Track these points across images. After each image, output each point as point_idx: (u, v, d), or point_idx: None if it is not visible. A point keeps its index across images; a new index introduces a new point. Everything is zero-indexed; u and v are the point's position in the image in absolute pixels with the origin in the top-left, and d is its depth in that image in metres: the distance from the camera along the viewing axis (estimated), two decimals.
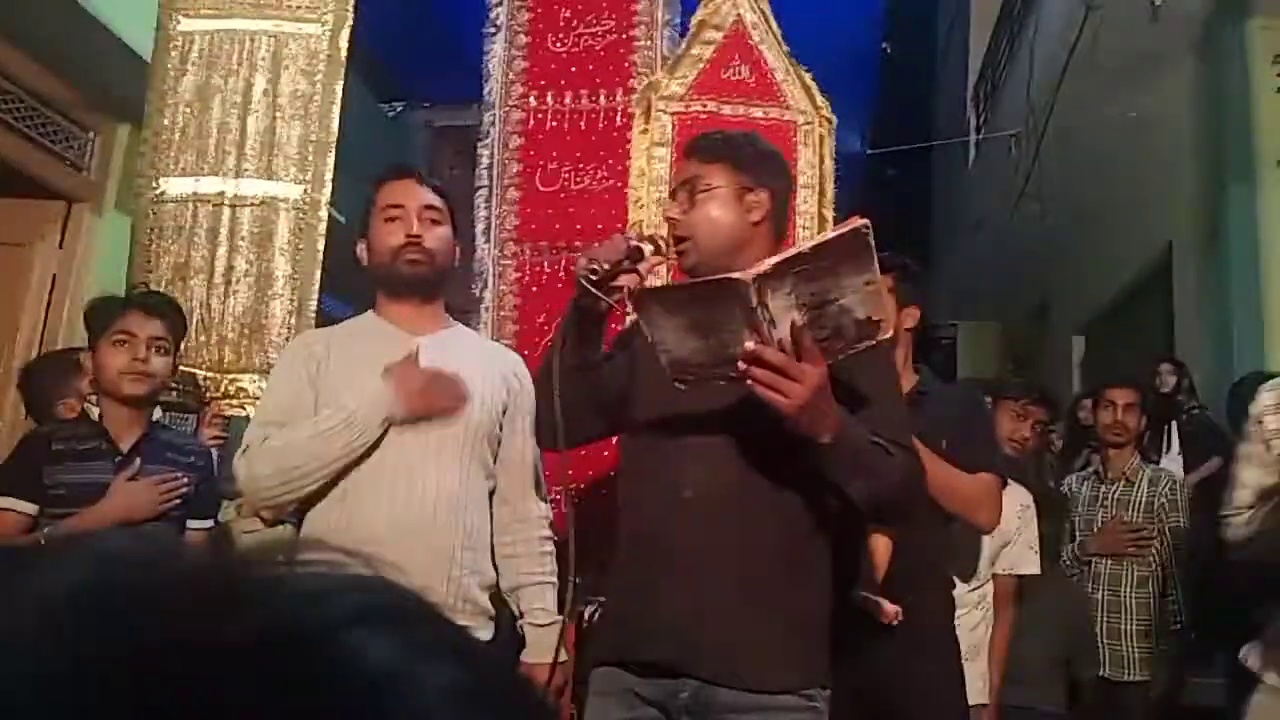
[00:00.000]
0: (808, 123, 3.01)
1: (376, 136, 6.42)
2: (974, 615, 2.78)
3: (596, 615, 2.51)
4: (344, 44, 3.24)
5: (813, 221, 3.01)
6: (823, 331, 1.54)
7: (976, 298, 9.85)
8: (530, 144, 3.17)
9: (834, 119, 3.05)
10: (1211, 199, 5.55)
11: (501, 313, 3.03)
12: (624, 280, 1.70)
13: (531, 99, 3.23)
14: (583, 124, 3.18)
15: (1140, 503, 3.62)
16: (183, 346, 3.06)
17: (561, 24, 3.25)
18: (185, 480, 2.37)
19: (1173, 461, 4.41)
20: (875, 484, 1.65)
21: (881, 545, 2.21)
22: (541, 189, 3.12)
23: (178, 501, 2.36)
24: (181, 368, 3.05)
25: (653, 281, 1.85)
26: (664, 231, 1.85)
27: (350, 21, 3.26)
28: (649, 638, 1.68)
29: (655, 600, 1.68)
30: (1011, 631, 2.90)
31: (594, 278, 1.66)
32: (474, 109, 8.80)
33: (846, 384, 1.65)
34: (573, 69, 3.23)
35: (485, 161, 3.21)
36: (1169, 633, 3.56)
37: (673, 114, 2.98)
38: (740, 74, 3.03)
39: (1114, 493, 3.69)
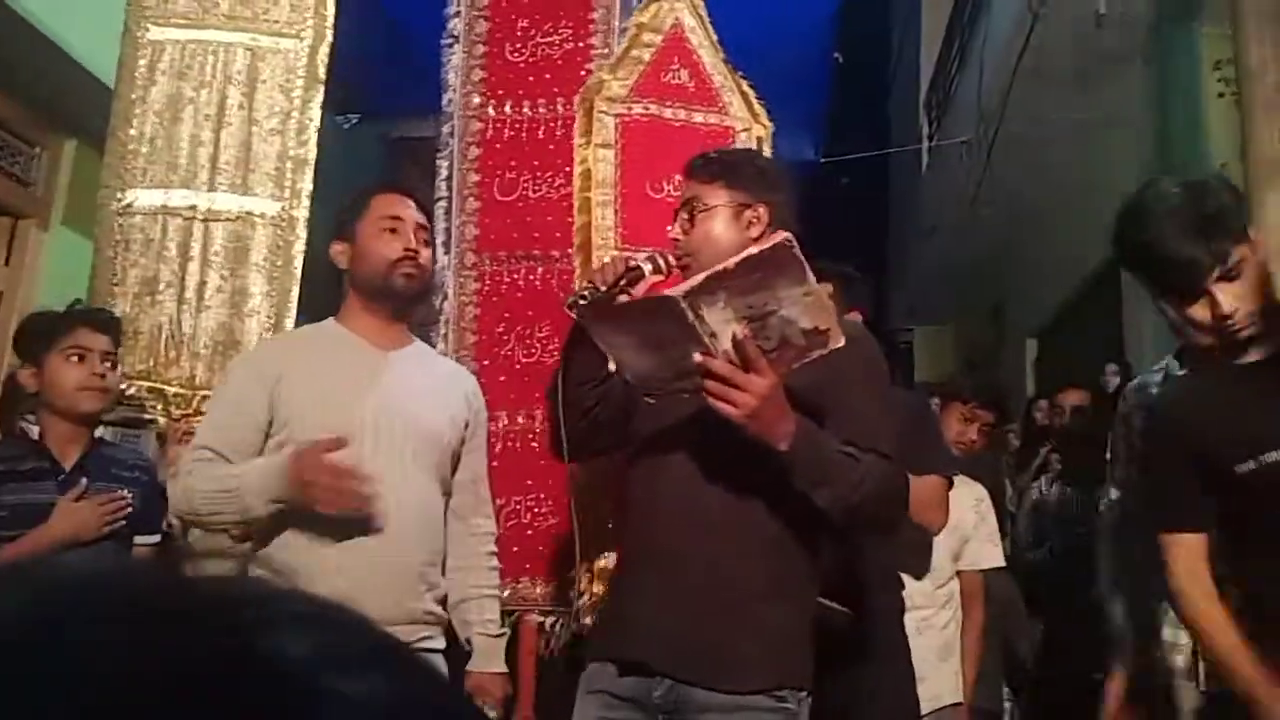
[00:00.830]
0: (745, 129, 3.03)
1: (332, 148, 6.37)
2: (943, 614, 2.82)
3: (558, 626, 2.52)
4: (323, 60, 3.22)
5: None
6: (769, 342, 1.58)
7: (933, 302, 9.97)
8: (488, 154, 3.16)
9: (770, 125, 3.08)
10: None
11: (462, 324, 3.03)
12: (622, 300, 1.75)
13: (490, 109, 3.22)
14: (540, 132, 3.19)
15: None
16: (152, 362, 3.03)
17: (519, 33, 3.25)
18: (130, 497, 2.34)
19: None
20: (840, 491, 1.67)
21: None
22: (500, 198, 3.12)
23: (123, 521, 2.32)
24: (149, 384, 3.00)
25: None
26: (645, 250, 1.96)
27: (329, 39, 3.24)
28: (631, 637, 1.74)
29: (638, 602, 1.75)
30: (982, 627, 2.92)
31: (585, 299, 1.70)
32: (431, 120, 8.73)
33: (811, 392, 1.69)
34: (530, 78, 3.23)
35: (444, 173, 3.20)
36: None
37: (615, 115, 2.98)
38: (680, 78, 3.05)
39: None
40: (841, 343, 1.63)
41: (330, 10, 3.24)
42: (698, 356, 1.55)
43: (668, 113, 3.03)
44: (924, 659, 2.56)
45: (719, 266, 1.55)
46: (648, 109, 3.01)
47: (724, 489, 1.74)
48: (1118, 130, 6.07)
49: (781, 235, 1.57)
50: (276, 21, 3.21)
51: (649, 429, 1.82)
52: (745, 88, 3.07)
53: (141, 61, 3.16)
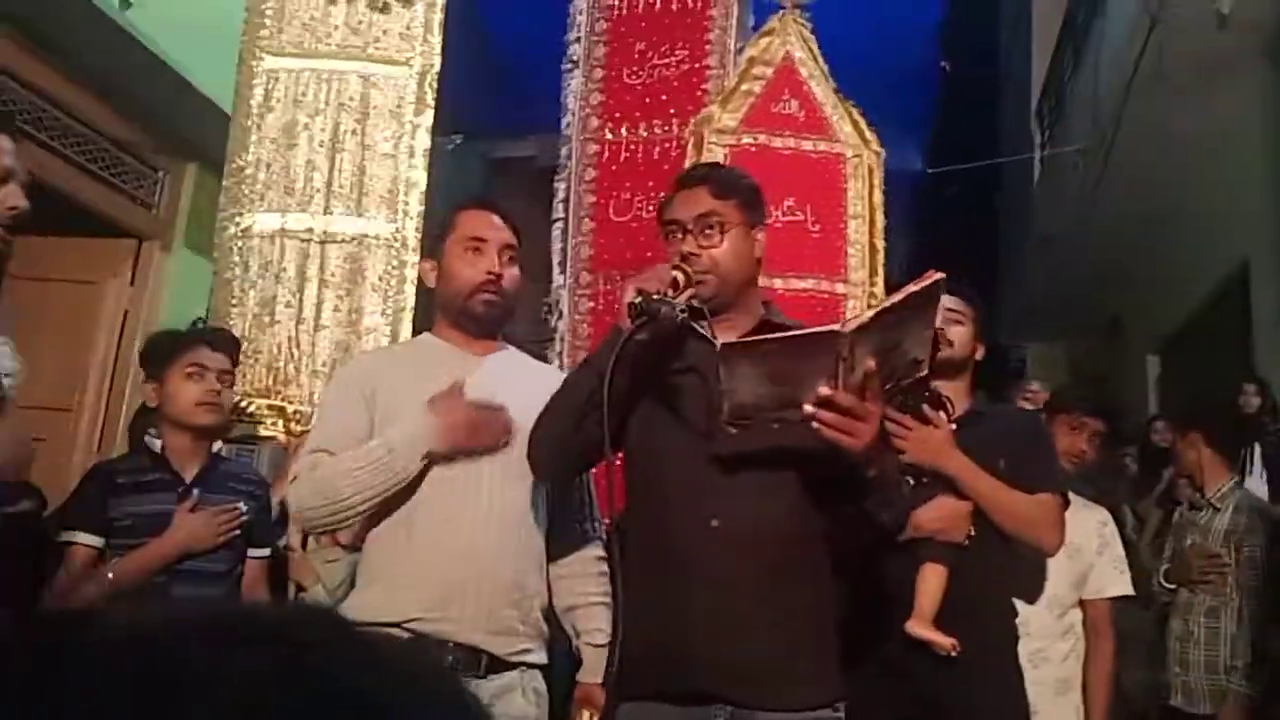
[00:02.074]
0: (856, 155, 3.05)
1: (437, 169, 6.52)
2: (1061, 646, 2.68)
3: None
4: (431, 86, 3.30)
5: (863, 250, 3.03)
6: (883, 372, 1.60)
7: (1046, 317, 9.64)
8: (604, 175, 3.22)
9: (882, 151, 3.09)
10: None
11: (575, 342, 3.05)
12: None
13: (607, 131, 3.28)
14: (656, 153, 3.23)
15: (1220, 530, 3.49)
16: (272, 379, 3.13)
17: (636, 56, 3.30)
18: (244, 510, 2.41)
19: (1257, 485, 4.25)
20: (897, 513, 1.77)
21: (934, 576, 2.18)
22: (615, 219, 3.16)
23: (237, 531, 2.39)
24: (269, 401, 3.11)
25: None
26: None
27: (437, 66, 3.32)
28: (681, 667, 1.70)
29: (685, 629, 1.70)
30: (1111, 661, 2.77)
31: (671, 306, 1.66)
32: (529, 140, 8.89)
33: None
34: (647, 100, 3.28)
35: (561, 194, 3.25)
36: (1228, 668, 3.38)
37: (725, 146, 3.02)
38: (790, 108, 3.08)
39: (1200, 519, 3.59)
40: (927, 371, 1.67)
41: (437, 38, 3.33)
42: (824, 389, 1.54)
43: (776, 142, 3.05)
44: (1039, 693, 2.44)
45: (882, 305, 1.56)
46: (757, 139, 3.04)
47: (772, 511, 1.74)
48: (1240, 136, 5.78)
49: (937, 275, 1.58)
50: (386, 50, 3.31)
51: (681, 447, 1.77)
52: (856, 115, 3.08)
53: (257, 90, 3.28)
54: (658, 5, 3.35)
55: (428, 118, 3.30)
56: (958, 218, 9.80)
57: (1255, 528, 3.45)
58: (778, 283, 3.01)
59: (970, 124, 10.07)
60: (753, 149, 3.02)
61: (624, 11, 3.40)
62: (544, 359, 2.74)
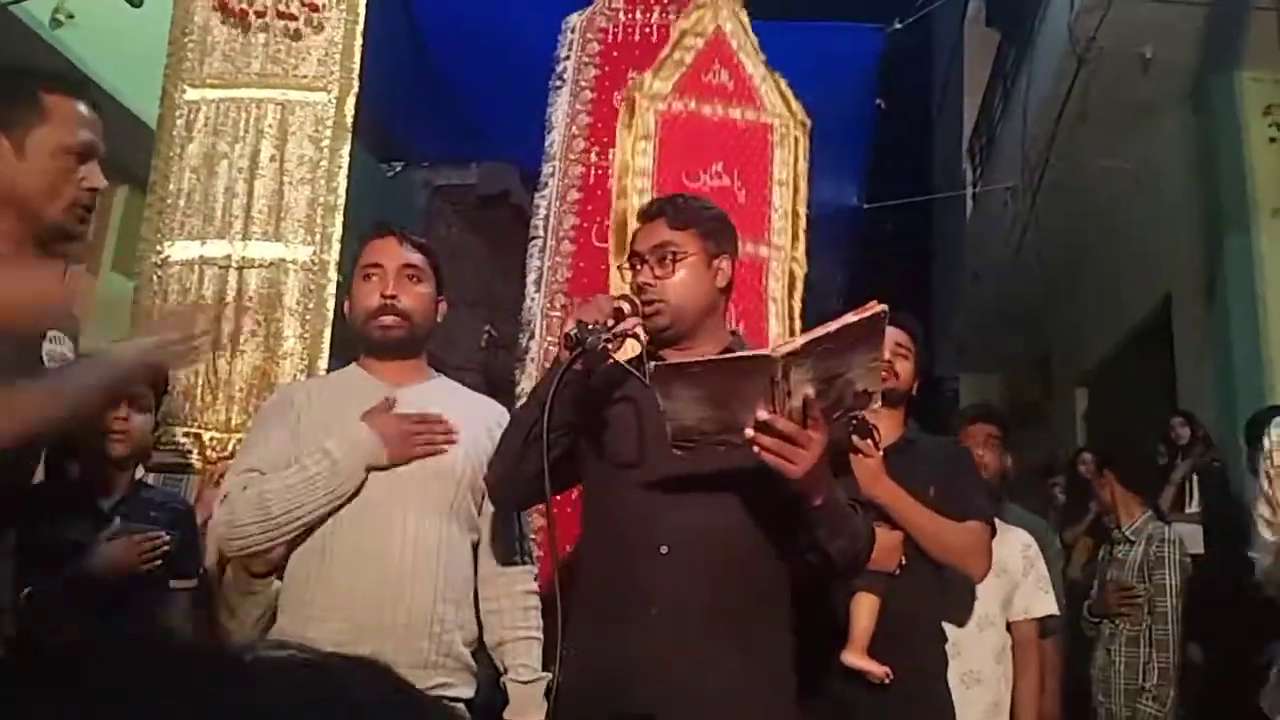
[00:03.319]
0: (783, 125, 3.13)
1: (377, 196, 6.47)
2: (996, 669, 2.71)
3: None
4: (350, 111, 3.29)
5: (786, 219, 3.10)
6: (826, 402, 1.60)
7: (979, 350, 9.85)
8: (589, 198, 3.19)
9: (809, 122, 3.16)
10: (1209, 248, 5.56)
11: (547, 363, 3.04)
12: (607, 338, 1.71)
13: (593, 154, 3.26)
14: None
15: (1135, 562, 3.63)
16: (189, 407, 3.05)
17: (628, 82, 3.30)
18: (166, 539, 2.34)
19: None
20: (852, 543, 1.73)
21: (866, 605, 2.19)
22: (597, 244, 3.15)
23: (158, 561, 2.32)
24: (185, 428, 3.03)
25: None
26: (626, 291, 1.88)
27: (356, 90, 3.31)
28: (628, 691, 1.68)
29: (632, 653, 1.68)
30: (1039, 680, 2.81)
31: (596, 332, 1.66)
32: (472, 168, 8.83)
33: (829, 448, 1.68)
34: None
35: (541, 212, 3.22)
36: (1140, 689, 3.53)
37: (656, 112, 3.08)
38: (720, 78, 3.14)
39: (1116, 553, 3.74)
40: (879, 405, 1.67)
41: (356, 63, 3.32)
42: (763, 414, 1.55)
43: (706, 109, 3.11)
44: (970, 715, 2.47)
45: (820, 331, 1.56)
46: (687, 105, 3.10)
47: (721, 536, 1.72)
48: (1162, 176, 5.99)
49: (879, 306, 1.59)
50: (305, 77, 3.31)
51: (627, 472, 1.77)
52: (784, 87, 3.15)
53: (179, 120, 3.27)
54: (654, 34, 3.36)
55: (347, 141, 3.29)
56: (893, 252, 9.98)
57: (1163, 556, 3.59)
58: None
59: (905, 161, 10.29)
60: (683, 114, 3.09)
61: (618, 36, 3.40)
62: (515, 379, 2.71)
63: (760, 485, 1.64)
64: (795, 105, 3.14)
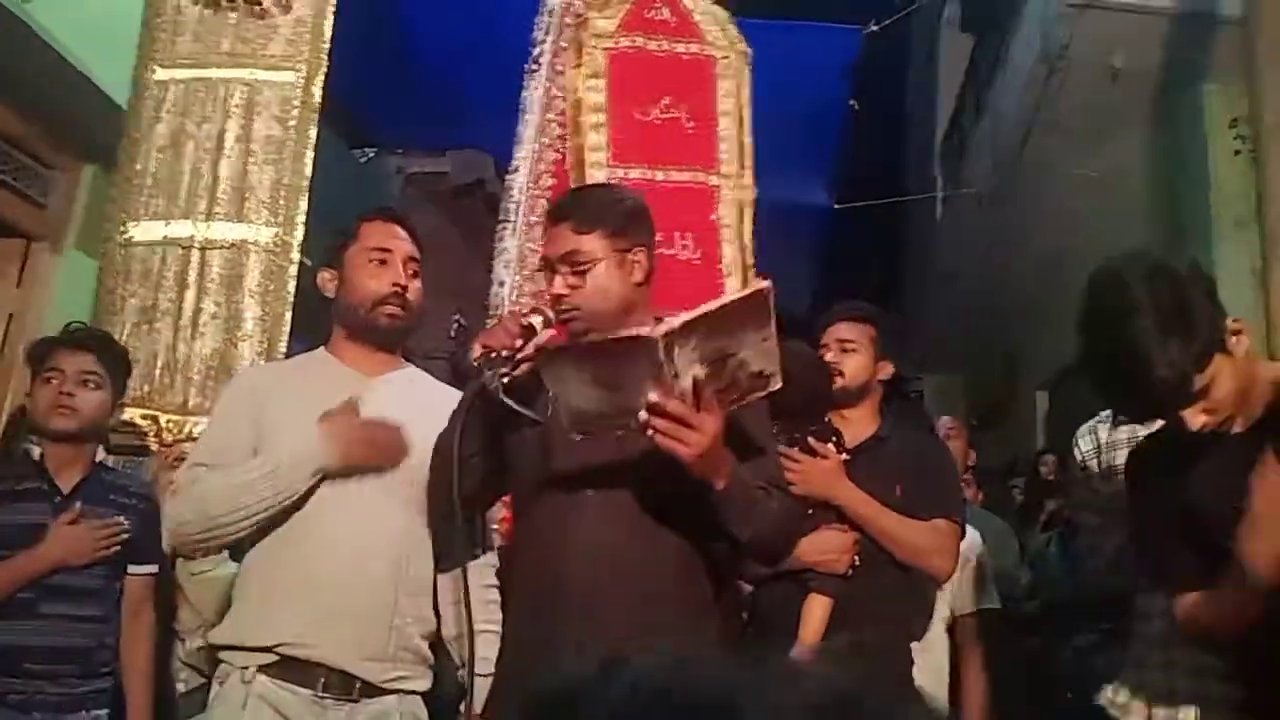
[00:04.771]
0: (725, 57, 3.24)
1: (348, 182, 6.42)
2: (925, 658, 2.74)
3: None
4: (318, 91, 3.27)
5: (734, 147, 3.19)
6: (719, 383, 1.59)
7: (946, 351, 9.93)
8: (562, 184, 3.17)
9: (750, 52, 3.27)
10: (1174, 256, 5.63)
11: None
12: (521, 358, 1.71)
13: (568, 140, 3.25)
14: None
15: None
16: (146, 389, 3.00)
17: None
18: (126, 524, 2.31)
19: None
20: (761, 527, 1.71)
21: (818, 607, 2.20)
22: None
23: (117, 546, 2.30)
24: (143, 410, 2.99)
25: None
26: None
27: (324, 70, 3.28)
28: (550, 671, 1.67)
29: (552, 649, 1.68)
30: (982, 672, 2.84)
31: (493, 364, 1.66)
32: (445, 156, 8.76)
33: (733, 432, 1.68)
34: None
35: (514, 196, 3.21)
36: None
37: (604, 49, 3.18)
38: (662, 14, 3.25)
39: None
40: (779, 385, 1.66)
41: (326, 42, 3.28)
42: (653, 396, 1.54)
43: (652, 45, 3.23)
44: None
45: (699, 310, 1.55)
46: (634, 42, 3.21)
47: (639, 527, 1.72)
48: (1129, 183, 6.07)
49: (762, 283, 1.59)
50: (273, 56, 3.28)
51: (542, 468, 1.77)
52: (724, 19, 3.27)
53: (149, 101, 3.24)
54: None
55: (314, 122, 3.26)
56: (863, 253, 10.04)
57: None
58: (659, 174, 3.16)
59: (876, 163, 10.35)
60: (630, 50, 3.19)
61: None
62: (457, 370, 2.70)
63: (662, 473, 1.63)
64: (735, 35, 3.26)
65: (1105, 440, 2.55)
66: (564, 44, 3.34)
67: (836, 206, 7.86)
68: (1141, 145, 5.90)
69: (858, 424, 2.41)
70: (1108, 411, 2.42)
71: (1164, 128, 5.73)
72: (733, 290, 2.94)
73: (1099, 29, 5.14)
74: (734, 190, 3.15)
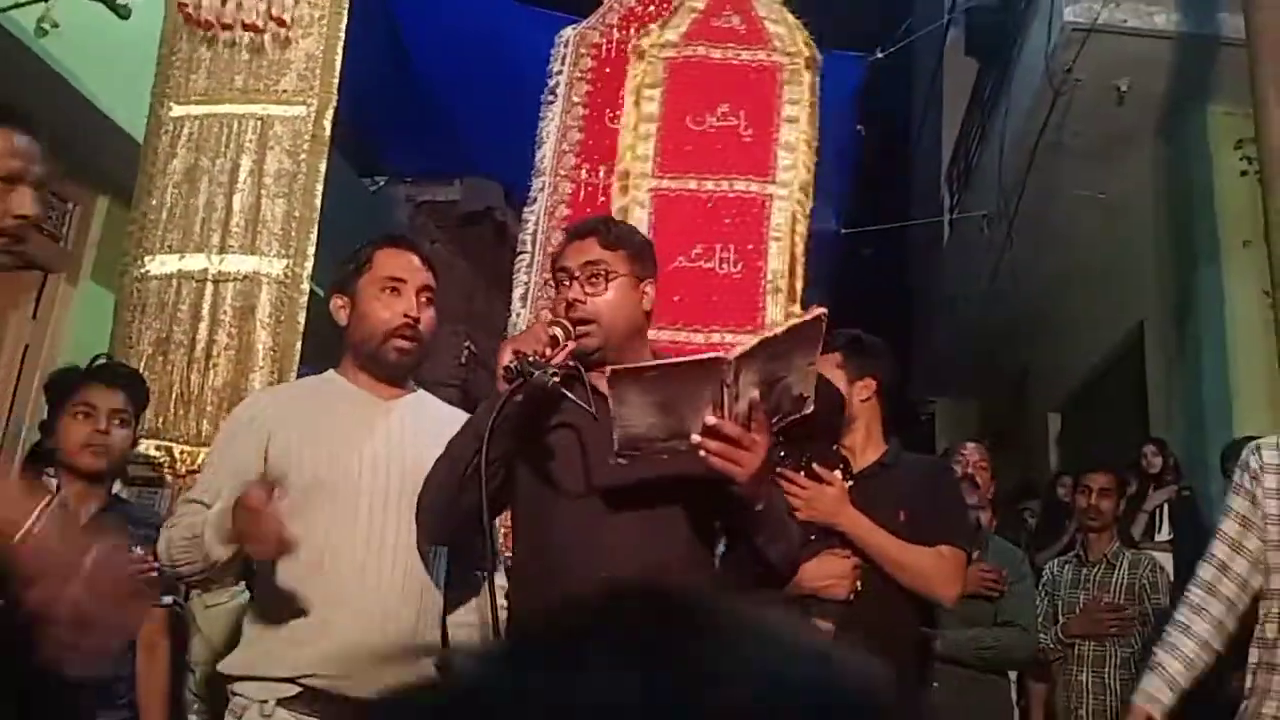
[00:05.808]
0: (793, 65, 3.19)
1: (358, 211, 6.47)
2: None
3: None
4: (328, 124, 3.31)
5: (795, 154, 3.13)
6: (768, 406, 1.63)
7: (956, 374, 9.92)
8: (578, 215, 3.16)
9: (819, 58, 3.23)
10: (1181, 278, 5.65)
11: None
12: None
13: (584, 171, 3.26)
14: None
15: (1121, 585, 3.61)
16: (161, 421, 3.03)
17: (620, 101, 3.29)
18: (142, 554, 2.32)
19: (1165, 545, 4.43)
20: (788, 547, 1.76)
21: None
22: None
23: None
24: (157, 442, 3.01)
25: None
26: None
27: (334, 103, 3.32)
28: None
29: None
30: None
31: (537, 364, 1.66)
32: (455, 184, 8.80)
33: None
34: None
35: (530, 228, 3.22)
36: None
37: (665, 59, 3.16)
38: (731, 22, 3.22)
39: (1095, 575, 3.68)
40: (811, 409, 1.70)
41: (336, 76, 3.33)
42: (710, 419, 1.57)
43: (715, 53, 3.19)
44: None
45: (768, 334, 1.61)
46: (696, 51, 3.18)
47: (653, 559, 1.71)
48: (1136, 205, 6.08)
49: (819, 310, 1.63)
50: (285, 91, 3.32)
51: (564, 490, 1.77)
52: (795, 25, 3.22)
53: (164, 137, 3.29)
54: None
55: (324, 156, 3.30)
56: (871, 276, 10.05)
57: (1156, 580, 3.58)
58: (708, 184, 3.10)
59: (884, 187, 10.37)
60: (692, 59, 3.17)
61: (610, 52, 3.39)
62: (467, 398, 2.70)
63: (699, 496, 1.66)
64: (805, 41, 3.21)
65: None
66: (579, 76, 3.35)
67: (844, 231, 7.89)
68: (1148, 167, 5.91)
69: (861, 450, 2.40)
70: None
71: (1170, 149, 5.75)
72: (772, 306, 2.98)
73: (1103, 52, 5.17)
74: (789, 200, 3.10)
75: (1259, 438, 2.41)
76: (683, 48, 3.17)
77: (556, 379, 1.66)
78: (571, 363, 1.74)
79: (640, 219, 3.02)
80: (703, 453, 1.58)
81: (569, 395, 1.70)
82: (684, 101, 3.14)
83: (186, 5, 3.33)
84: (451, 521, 1.83)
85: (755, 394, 1.59)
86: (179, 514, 1.94)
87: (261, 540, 1.73)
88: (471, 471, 1.68)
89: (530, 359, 1.66)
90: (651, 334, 2.00)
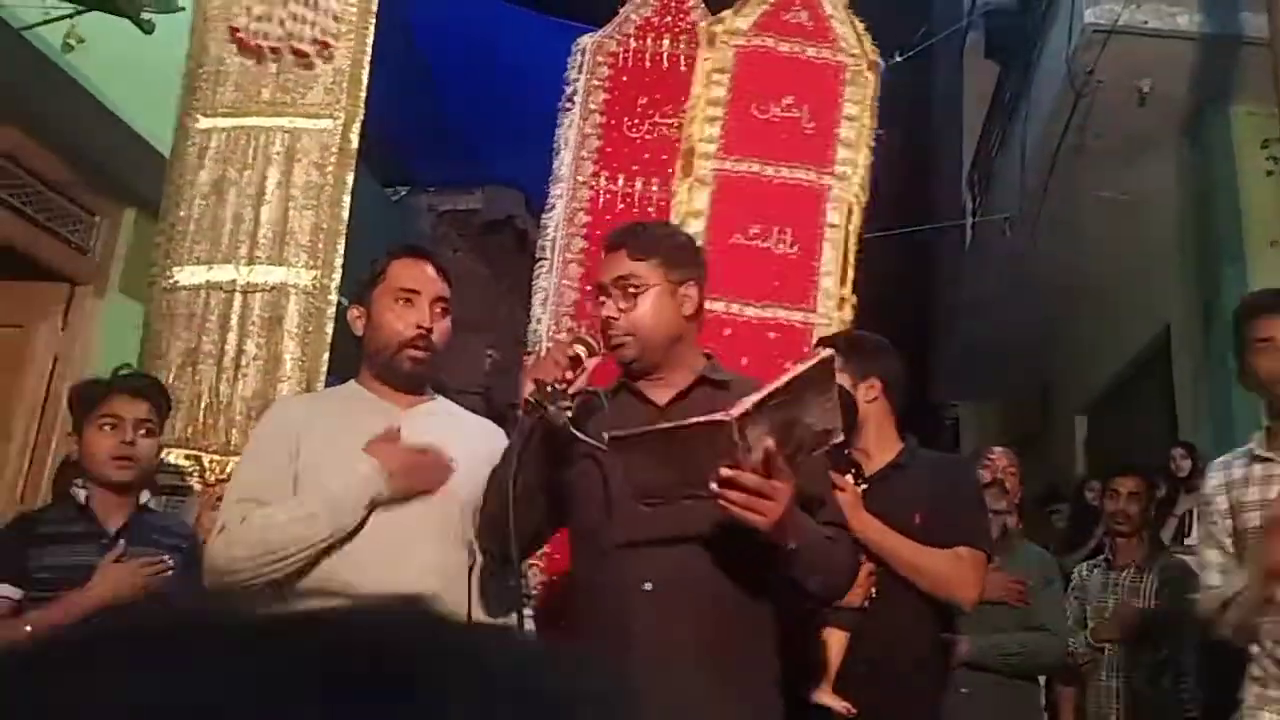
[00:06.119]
0: (856, 66, 3.27)
1: (380, 220, 6.52)
2: None
3: None
4: (355, 137, 3.35)
5: (853, 151, 3.22)
6: (787, 448, 1.62)
7: (979, 379, 9.85)
8: (597, 222, 3.19)
9: (881, 63, 3.32)
10: (1207, 280, 5.59)
11: None
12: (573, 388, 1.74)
13: (602, 179, 3.28)
14: (652, 209, 3.21)
15: (1151, 590, 3.57)
16: (190, 430, 3.06)
17: (638, 110, 3.33)
18: (170, 562, 2.35)
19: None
20: (830, 577, 1.76)
21: (834, 641, 2.18)
22: None
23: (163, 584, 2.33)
24: (186, 451, 3.04)
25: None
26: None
27: (361, 116, 3.35)
28: None
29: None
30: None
31: (554, 397, 1.68)
32: (477, 193, 8.85)
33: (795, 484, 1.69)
34: (646, 155, 3.31)
35: (549, 234, 3.24)
36: None
37: (734, 46, 3.24)
38: (799, 18, 3.29)
39: (1124, 580, 3.66)
40: (841, 439, 1.71)
41: (362, 90, 3.36)
42: (725, 471, 1.56)
43: (783, 46, 3.26)
44: None
45: (769, 388, 1.58)
46: (764, 42, 3.26)
47: (706, 574, 1.72)
48: (1160, 206, 6.03)
49: (825, 352, 1.64)
50: (313, 104, 3.36)
51: (613, 516, 1.76)
52: (860, 30, 3.31)
53: (191, 149, 3.32)
54: (664, 62, 3.39)
55: (350, 167, 3.33)
56: (893, 280, 10.01)
57: (1187, 588, 3.54)
58: (769, 170, 3.17)
59: (904, 192, 10.34)
60: (760, 50, 3.25)
61: (628, 61, 3.41)
62: (491, 405, 2.72)
63: (734, 528, 1.64)
64: (868, 46, 3.30)
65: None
66: (596, 83, 3.38)
67: (867, 235, 7.87)
68: (1171, 168, 5.87)
69: (874, 452, 2.38)
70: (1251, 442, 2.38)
71: (1194, 150, 5.70)
72: (825, 290, 3.05)
73: (1125, 53, 5.13)
74: (846, 191, 3.17)
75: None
76: (751, 37, 3.25)
77: (570, 412, 1.68)
78: (590, 388, 1.75)
79: (702, 197, 3.11)
80: (722, 503, 1.58)
81: (579, 435, 1.70)
82: (750, 90, 3.21)
83: (240, 30, 3.36)
84: (506, 544, 1.81)
85: (770, 442, 1.57)
86: (235, 516, 1.92)
87: (424, 470, 1.90)
88: (510, 502, 1.71)
89: (550, 387, 1.67)
90: (705, 305, 1.98)
